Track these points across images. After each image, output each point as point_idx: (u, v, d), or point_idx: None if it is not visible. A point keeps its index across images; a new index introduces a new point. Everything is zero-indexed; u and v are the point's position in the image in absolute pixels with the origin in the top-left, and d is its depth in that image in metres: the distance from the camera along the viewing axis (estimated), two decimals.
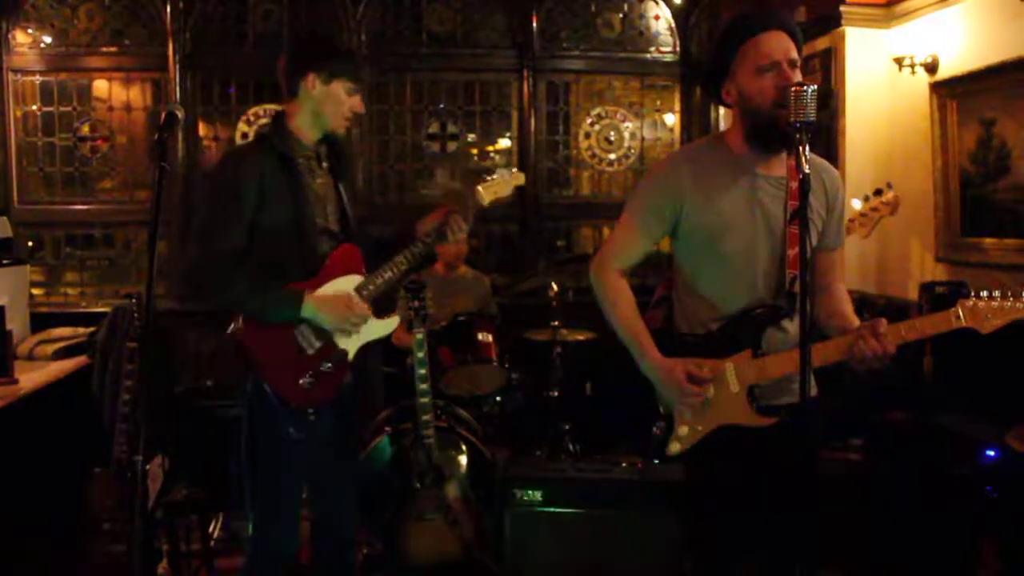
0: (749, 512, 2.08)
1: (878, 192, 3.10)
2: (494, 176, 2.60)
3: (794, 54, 1.95)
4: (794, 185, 1.90)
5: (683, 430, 2.07)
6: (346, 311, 2.34)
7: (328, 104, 2.36)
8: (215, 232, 2.25)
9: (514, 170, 2.65)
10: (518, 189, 5.39)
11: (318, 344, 2.35)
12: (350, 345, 2.41)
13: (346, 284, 2.40)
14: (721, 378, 2.03)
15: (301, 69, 2.35)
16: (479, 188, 2.55)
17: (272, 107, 5.00)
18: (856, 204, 3.07)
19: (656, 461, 2.17)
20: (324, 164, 2.44)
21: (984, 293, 1.88)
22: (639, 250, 2.14)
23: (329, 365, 2.36)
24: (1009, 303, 1.86)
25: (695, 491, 2.19)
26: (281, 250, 2.30)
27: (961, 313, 1.88)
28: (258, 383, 2.33)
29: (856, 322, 2.04)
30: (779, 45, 1.93)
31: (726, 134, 2.11)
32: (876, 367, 1.91)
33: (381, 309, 2.48)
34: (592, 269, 2.19)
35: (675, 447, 2.10)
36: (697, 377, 2.02)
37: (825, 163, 2.15)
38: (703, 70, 2.18)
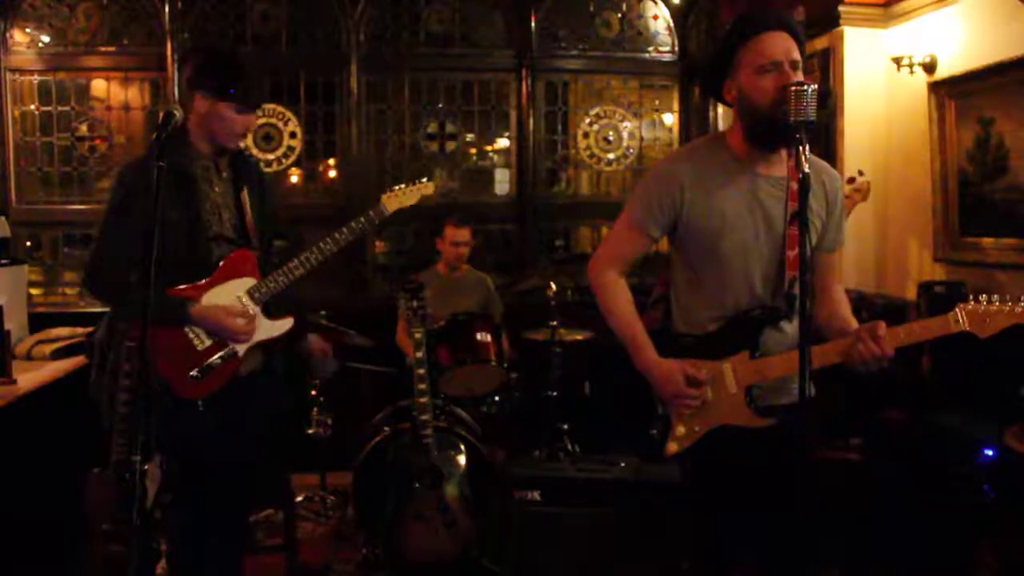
0: (747, 512, 2.08)
1: (851, 180, 3.23)
2: (401, 186, 2.74)
3: (795, 54, 1.95)
4: (794, 186, 1.90)
5: (681, 430, 2.07)
6: (226, 325, 2.41)
7: (215, 123, 2.42)
8: (107, 242, 2.40)
9: (424, 180, 2.79)
10: (517, 188, 5.35)
11: (208, 341, 2.44)
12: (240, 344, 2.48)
13: (238, 287, 2.47)
14: (719, 379, 2.03)
15: (191, 87, 2.44)
16: (383, 197, 2.71)
17: (272, 107, 5.01)
18: None
19: (654, 461, 2.17)
20: (224, 173, 2.52)
21: (983, 297, 1.88)
22: (638, 250, 2.14)
23: (219, 360, 2.43)
24: (1008, 307, 1.87)
25: (693, 491, 2.20)
26: (173, 252, 2.34)
27: (960, 317, 1.88)
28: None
29: (854, 324, 2.04)
30: (781, 45, 1.93)
31: (726, 134, 2.11)
32: (874, 370, 1.91)
33: (276, 311, 2.55)
34: (591, 268, 2.19)
35: (673, 447, 2.10)
36: (695, 379, 2.02)
37: (825, 164, 2.15)
38: (702, 67, 2.19)
